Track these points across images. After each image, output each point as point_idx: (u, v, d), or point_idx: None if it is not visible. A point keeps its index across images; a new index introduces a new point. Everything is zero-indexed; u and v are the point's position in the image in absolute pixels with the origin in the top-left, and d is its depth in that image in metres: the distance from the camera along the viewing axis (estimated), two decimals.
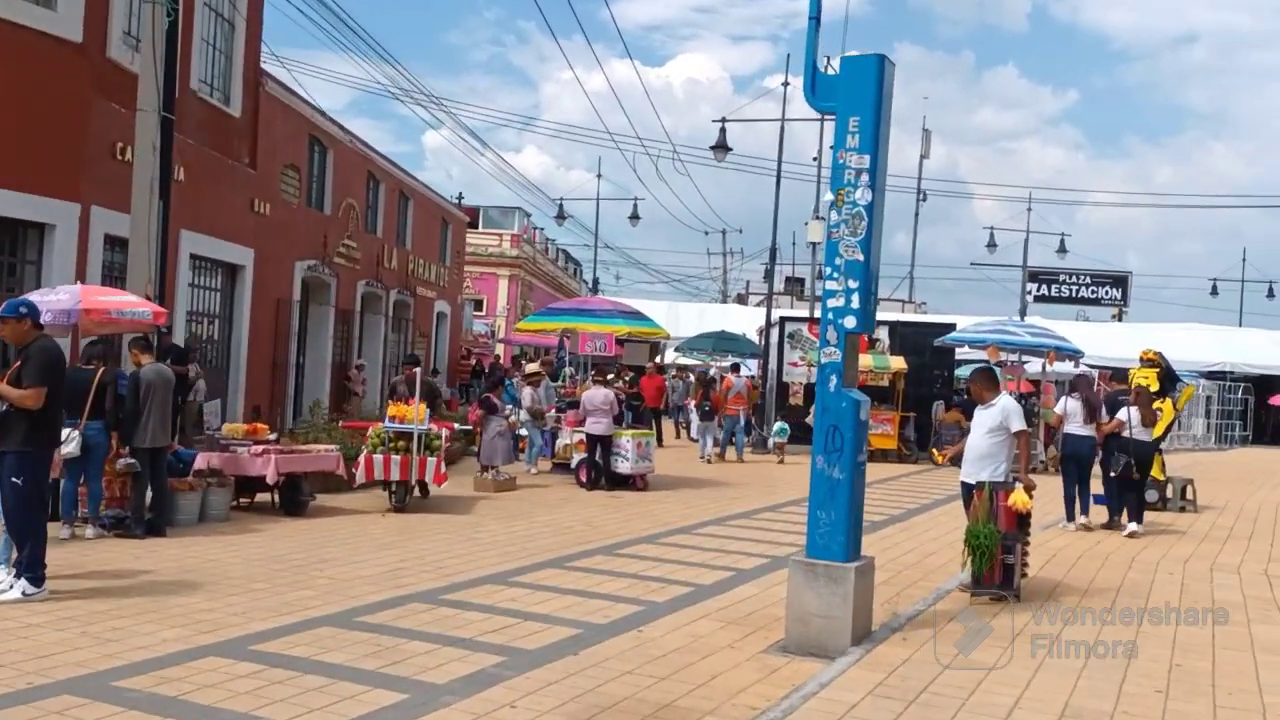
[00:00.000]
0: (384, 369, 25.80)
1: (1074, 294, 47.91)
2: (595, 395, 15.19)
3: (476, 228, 43.60)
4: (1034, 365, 23.87)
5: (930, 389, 23.79)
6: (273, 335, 19.25)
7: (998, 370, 22.67)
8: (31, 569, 7.04)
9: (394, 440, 11.92)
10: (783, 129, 25.48)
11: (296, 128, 20.05)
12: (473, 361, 35.13)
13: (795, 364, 24.17)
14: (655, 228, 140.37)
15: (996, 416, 8.38)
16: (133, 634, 6.38)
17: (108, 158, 13.53)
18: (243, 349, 18.14)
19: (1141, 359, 13.95)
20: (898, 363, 22.38)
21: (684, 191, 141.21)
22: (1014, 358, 22.28)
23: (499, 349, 41.31)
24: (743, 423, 21.30)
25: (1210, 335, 39.14)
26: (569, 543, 10.41)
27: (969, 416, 24.31)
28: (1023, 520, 8.10)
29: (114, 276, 13.58)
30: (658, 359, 29.60)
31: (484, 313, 43.84)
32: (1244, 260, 51.73)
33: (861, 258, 6.81)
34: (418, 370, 12.37)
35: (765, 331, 26.16)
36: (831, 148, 7.02)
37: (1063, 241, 43.87)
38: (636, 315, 17.04)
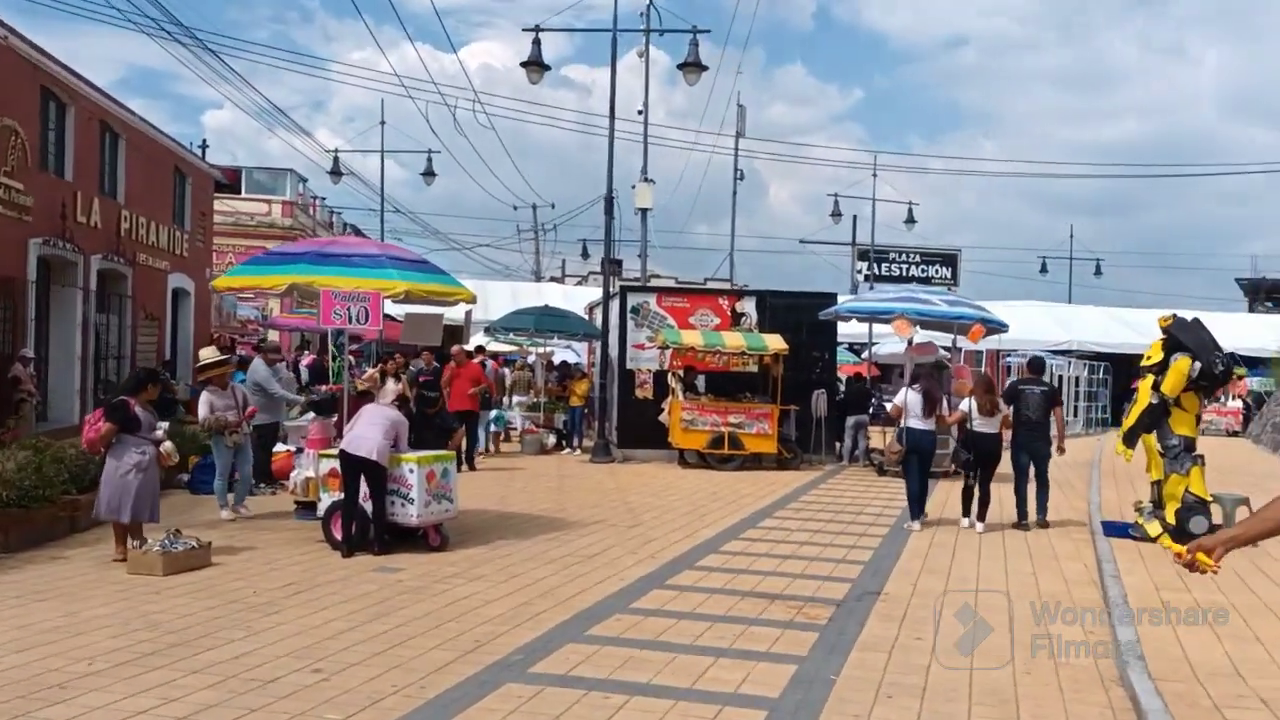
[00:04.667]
0: (84, 360, 18.81)
1: (905, 273, 46.91)
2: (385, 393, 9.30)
3: (239, 192, 36.25)
4: (944, 340, 19.30)
5: (809, 374, 18.75)
6: None
7: (919, 358, 17.94)
8: None
9: None
10: (615, 38, 19.81)
11: None
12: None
13: (642, 346, 18.66)
14: (464, 221, 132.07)
15: None
16: None
17: None
18: None
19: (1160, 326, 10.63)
20: (777, 342, 17.13)
21: (491, 157, 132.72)
22: (916, 333, 17.47)
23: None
24: (491, 414, 18.96)
25: (1049, 313, 36.28)
26: None
27: (854, 409, 19.19)
28: None
29: None
30: (465, 342, 23.30)
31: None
32: (1072, 237, 50.17)
33: None
34: None
35: (604, 307, 20.44)
36: None
37: (910, 211, 40.24)
38: (423, 266, 10.65)
